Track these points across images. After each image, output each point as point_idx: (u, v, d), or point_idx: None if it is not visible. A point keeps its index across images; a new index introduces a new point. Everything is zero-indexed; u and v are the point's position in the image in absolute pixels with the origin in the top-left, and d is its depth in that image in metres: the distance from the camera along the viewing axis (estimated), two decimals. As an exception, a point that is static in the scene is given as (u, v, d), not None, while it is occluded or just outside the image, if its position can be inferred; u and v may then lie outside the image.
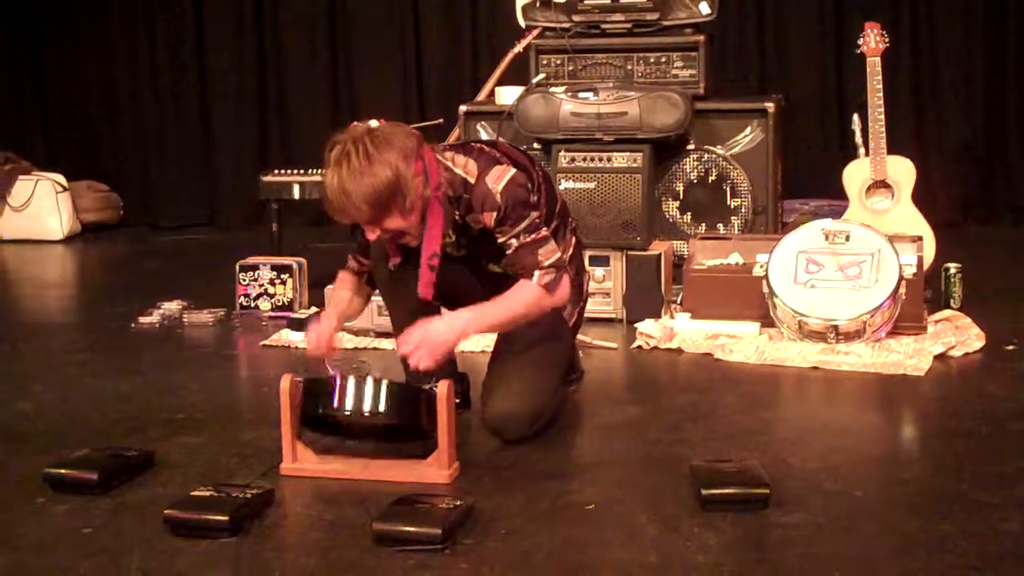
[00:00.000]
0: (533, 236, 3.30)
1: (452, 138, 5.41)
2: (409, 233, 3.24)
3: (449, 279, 3.38)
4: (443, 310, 3.44)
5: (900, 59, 6.58)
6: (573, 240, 3.62)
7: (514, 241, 3.30)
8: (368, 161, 3.08)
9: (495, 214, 3.27)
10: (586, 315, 3.83)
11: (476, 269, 3.50)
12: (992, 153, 6.82)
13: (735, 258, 4.85)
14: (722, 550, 2.70)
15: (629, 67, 5.22)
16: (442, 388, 3.11)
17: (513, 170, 3.31)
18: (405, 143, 3.16)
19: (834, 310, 4.35)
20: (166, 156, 7.78)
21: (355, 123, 3.21)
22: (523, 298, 3.31)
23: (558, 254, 3.34)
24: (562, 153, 4.93)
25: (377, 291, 3.63)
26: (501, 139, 3.67)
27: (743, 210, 5.10)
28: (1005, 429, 3.48)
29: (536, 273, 3.29)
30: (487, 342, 4.28)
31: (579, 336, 4.00)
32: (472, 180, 3.28)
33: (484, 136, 5.27)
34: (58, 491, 3.09)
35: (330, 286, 4.74)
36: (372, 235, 3.22)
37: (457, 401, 3.35)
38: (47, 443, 3.49)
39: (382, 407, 3.11)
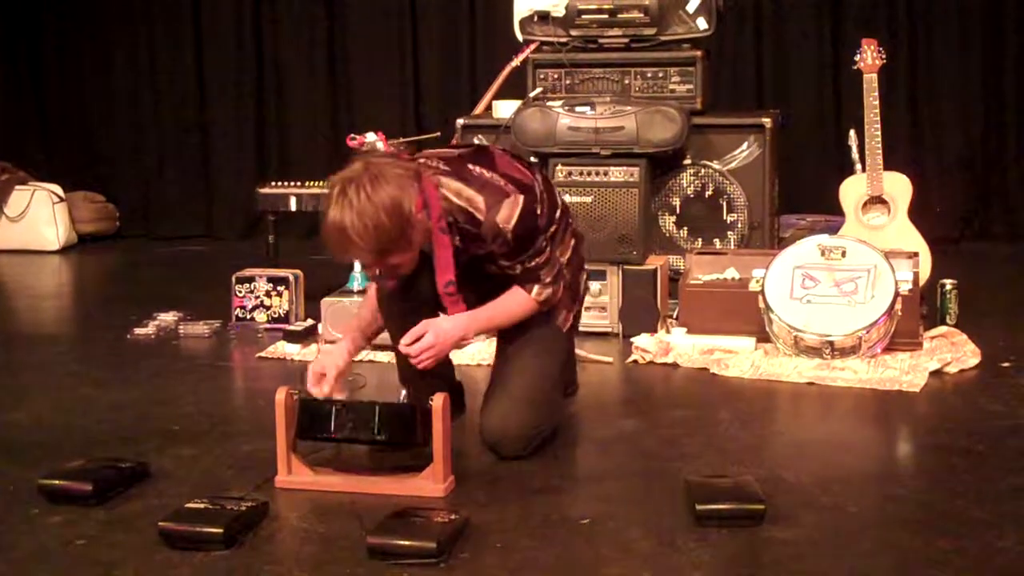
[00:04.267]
0: (537, 260, 3.35)
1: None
2: (405, 265, 3.22)
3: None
4: (441, 315, 3.46)
5: (896, 75, 6.59)
6: (572, 241, 3.57)
7: (519, 267, 3.34)
8: (369, 202, 3.02)
9: (506, 248, 3.28)
10: (582, 329, 3.83)
11: (474, 270, 3.47)
12: (988, 169, 6.82)
13: (731, 273, 4.85)
14: (717, 566, 2.70)
15: (626, 81, 5.22)
16: (437, 401, 3.11)
17: (521, 199, 3.27)
18: (402, 179, 3.09)
19: (830, 326, 4.35)
20: (163, 167, 7.78)
21: (355, 159, 3.16)
22: (517, 305, 3.39)
23: (557, 268, 3.40)
24: (559, 167, 4.93)
25: None
26: (498, 146, 3.57)
27: (739, 225, 5.11)
28: (1001, 445, 3.48)
29: (535, 288, 3.36)
30: (483, 356, 4.29)
31: (575, 350, 3.99)
32: (480, 216, 3.24)
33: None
34: (52, 502, 3.08)
35: (326, 298, 4.76)
36: (371, 270, 3.21)
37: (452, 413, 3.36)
38: (41, 454, 3.49)
39: (377, 431, 3.13)
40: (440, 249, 3.23)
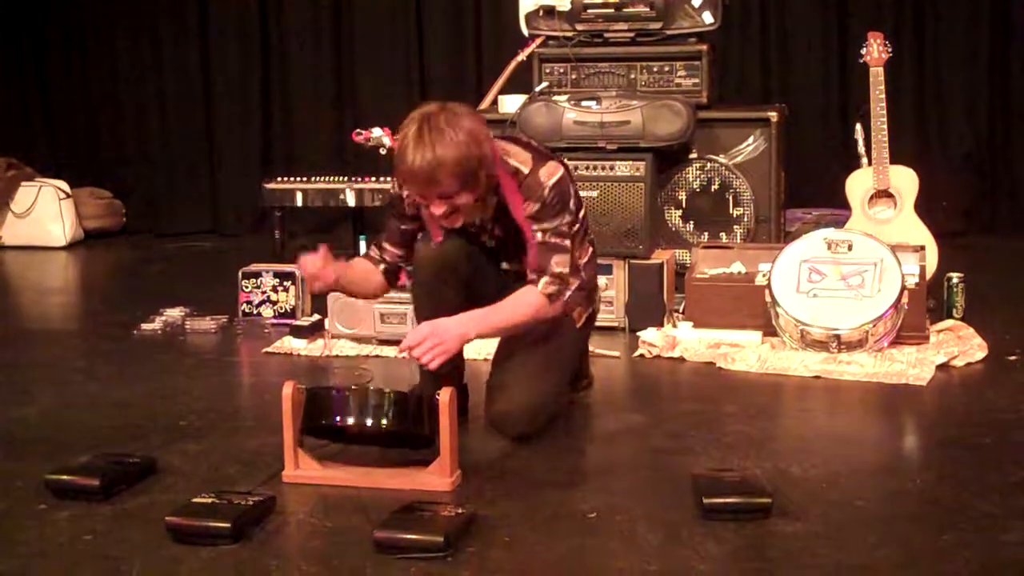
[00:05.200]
0: (556, 240, 3.39)
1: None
2: (464, 211, 3.30)
3: (476, 279, 3.48)
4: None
5: (903, 69, 6.58)
6: (590, 249, 3.66)
7: (539, 235, 3.39)
8: (456, 132, 3.17)
9: (538, 205, 3.36)
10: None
11: (494, 265, 3.53)
12: (995, 162, 6.82)
13: (737, 267, 4.86)
14: (723, 559, 2.70)
15: (632, 76, 5.22)
16: (444, 396, 3.11)
17: (563, 168, 3.42)
18: (475, 114, 3.30)
19: (836, 319, 4.35)
20: (169, 163, 7.79)
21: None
22: (525, 304, 3.39)
23: (567, 268, 3.41)
24: (565, 161, 4.92)
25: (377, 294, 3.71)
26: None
27: (745, 219, 5.11)
28: (1007, 439, 3.48)
29: (543, 281, 3.37)
30: (488, 350, 4.29)
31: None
32: (526, 170, 3.37)
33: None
34: (60, 497, 3.09)
35: (332, 293, 4.76)
36: (439, 209, 3.27)
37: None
38: (49, 449, 3.50)
39: (384, 418, 3.12)
40: (508, 190, 3.37)
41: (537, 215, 3.37)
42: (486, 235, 3.52)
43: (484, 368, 3.89)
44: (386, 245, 3.61)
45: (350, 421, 3.12)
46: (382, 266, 3.62)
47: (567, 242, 3.41)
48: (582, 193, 4.79)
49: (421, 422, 3.13)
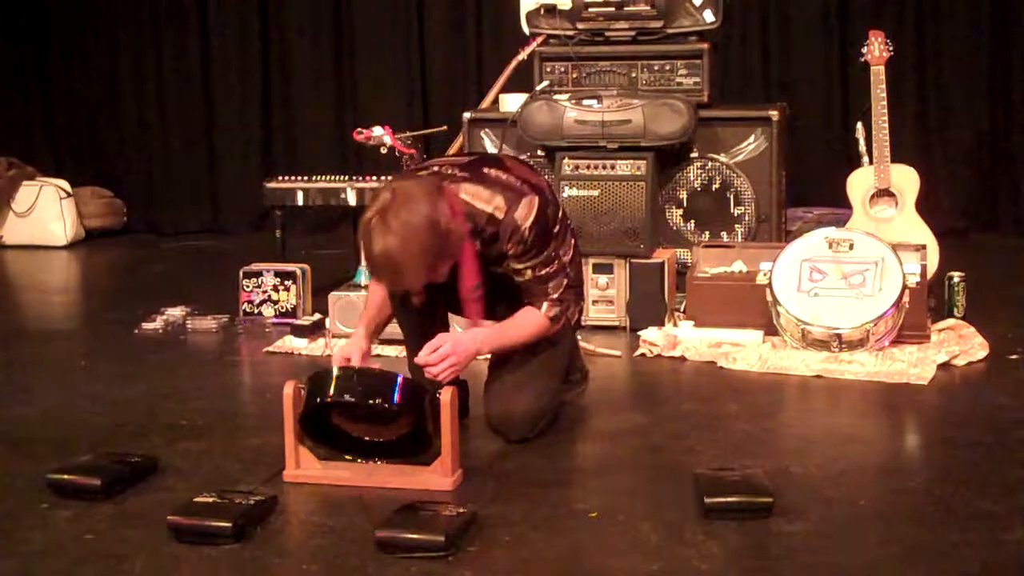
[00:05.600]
0: (547, 269, 3.39)
1: (456, 145, 5.42)
2: (445, 273, 3.25)
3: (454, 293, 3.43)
4: (454, 328, 3.51)
5: (904, 67, 6.56)
6: (573, 241, 3.60)
7: (529, 272, 3.38)
8: (408, 226, 3.05)
9: (520, 247, 3.33)
10: (590, 323, 3.84)
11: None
12: (996, 161, 6.81)
13: (739, 266, 4.85)
14: (725, 559, 2.70)
15: (633, 75, 5.21)
16: (446, 395, 3.11)
17: (537, 199, 3.33)
18: (430, 196, 3.14)
19: (837, 319, 4.35)
20: (170, 162, 7.78)
21: (379, 189, 3.21)
22: (531, 326, 3.42)
23: (563, 287, 3.43)
24: (566, 161, 4.93)
25: None
26: (504, 149, 3.63)
27: (747, 218, 5.10)
28: (1008, 438, 3.48)
29: (545, 304, 3.41)
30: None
31: (583, 344, 4.01)
32: (500, 215, 3.29)
33: (488, 144, 5.28)
34: (61, 497, 3.09)
35: (333, 293, 4.76)
36: (416, 287, 3.22)
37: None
38: (50, 449, 3.50)
39: (387, 395, 3.08)
40: (466, 256, 3.27)
41: (521, 256, 3.34)
42: None
43: (482, 366, 3.89)
44: None
45: (352, 397, 3.10)
46: None
47: (555, 266, 3.40)
48: (583, 193, 4.85)
49: (424, 413, 3.11)
